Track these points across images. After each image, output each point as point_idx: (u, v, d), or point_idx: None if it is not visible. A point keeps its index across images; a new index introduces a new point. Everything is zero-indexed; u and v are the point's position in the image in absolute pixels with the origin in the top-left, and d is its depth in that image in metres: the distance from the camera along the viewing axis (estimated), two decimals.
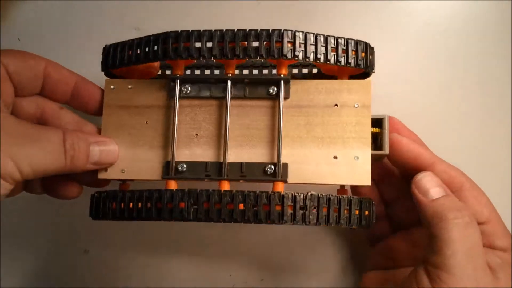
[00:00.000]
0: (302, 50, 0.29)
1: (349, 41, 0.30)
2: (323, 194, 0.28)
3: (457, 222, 0.27)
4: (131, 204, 0.29)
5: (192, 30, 0.29)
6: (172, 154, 0.30)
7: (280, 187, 0.29)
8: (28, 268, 0.39)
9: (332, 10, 0.39)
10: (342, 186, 0.31)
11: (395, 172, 0.34)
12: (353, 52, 0.30)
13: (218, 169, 0.30)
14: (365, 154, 0.29)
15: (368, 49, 0.30)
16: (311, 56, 0.29)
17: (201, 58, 0.29)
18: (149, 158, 0.30)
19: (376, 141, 0.31)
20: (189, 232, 0.38)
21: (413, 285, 0.27)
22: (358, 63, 0.30)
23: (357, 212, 0.29)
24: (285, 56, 0.28)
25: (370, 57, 0.30)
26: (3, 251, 0.39)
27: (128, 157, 0.31)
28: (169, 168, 0.30)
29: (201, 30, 0.29)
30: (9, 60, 0.29)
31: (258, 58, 0.28)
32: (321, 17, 0.39)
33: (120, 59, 0.31)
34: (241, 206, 0.27)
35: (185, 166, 0.30)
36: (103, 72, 0.32)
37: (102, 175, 0.31)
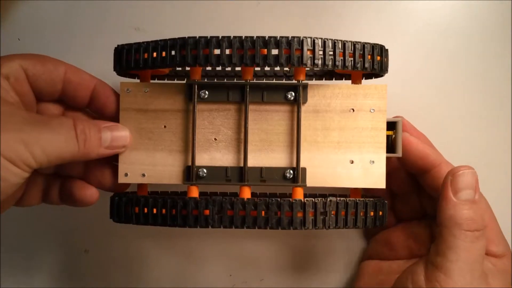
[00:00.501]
0: (321, 57, 0.29)
1: (365, 45, 0.30)
2: (341, 199, 0.29)
3: (469, 234, 0.27)
4: (154, 209, 0.30)
5: (211, 37, 0.29)
6: (192, 159, 0.30)
7: (299, 192, 0.30)
8: (28, 268, 0.39)
9: (332, 10, 0.39)
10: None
11: (400, 168, 0.35)
12: (369, 57, 0.30)
13: (238, 174, 0.30)
14: (381, 158, 0.30)
15: (383, 52, 0.31)
16: (330, 63, 0.29)
17: (220, 66, 0.29)
18: (169, 162, 0.31)
19: (388, 142, 0.31)
20: (189, 232, 0.39)
21: (408, 283, 0.28)
22: (374, 67, 0.30)
23: (372, 213, 0.30)
24: (305, 64, 0.28)
25: (385, 59, 0.31)
26: (3, 251, 0.39)
27: (148, 162, 0.31)
28: (190, 173, 0.30)
29: (220, 37, 0.29)
30: (28, 63, 0.29)
31: (278, 66, 0.29)
32: (320, 17, 0.39)
33: (135, 61, 0.30)
34: (263, 213, 0.28)
35: (205, 171, 0.30)
36: (113, 73, 0.32)
37: (122, 180, 0.31)
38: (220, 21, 0.39)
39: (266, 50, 0.29)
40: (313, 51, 0.29)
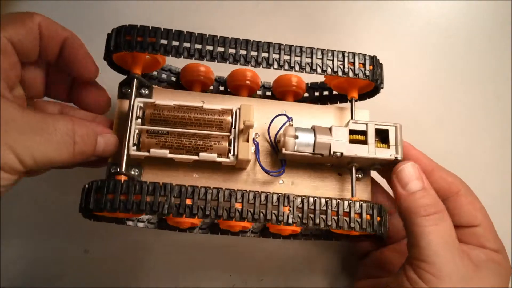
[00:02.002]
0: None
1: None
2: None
3: (429, 218, 0.28)
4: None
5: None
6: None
7: None
8: (28, 268, 0.39)
9: (332, 11, 0.39)
10: None
11: (385, 189, 0.35)
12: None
13: None
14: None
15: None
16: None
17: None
18: None
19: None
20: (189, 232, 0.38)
21: (402, 278, 0.28)
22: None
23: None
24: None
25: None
26: (3, 250, 0.38)
27: None
28: None
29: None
30: (12, 30, 0.28)
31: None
32: (320, 18, 0.39)
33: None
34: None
35: None
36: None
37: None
38: (220, 21, 0.39)
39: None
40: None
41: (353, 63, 0.31)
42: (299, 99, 0.35)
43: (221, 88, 0.36)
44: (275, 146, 0.32)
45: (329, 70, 0.31)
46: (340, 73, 0.31)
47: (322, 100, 0.36)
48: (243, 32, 0.37)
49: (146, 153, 0.29)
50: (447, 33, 0.39)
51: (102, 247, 0.38)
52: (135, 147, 0.29)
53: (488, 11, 0.39)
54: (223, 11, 0.39)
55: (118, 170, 0.29)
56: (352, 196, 0.31)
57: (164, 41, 0.29)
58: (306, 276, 0.38)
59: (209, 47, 0.30)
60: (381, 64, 0.32)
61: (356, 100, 0.33)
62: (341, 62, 0.31)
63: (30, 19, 0.29)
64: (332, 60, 0.31)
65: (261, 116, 0.33)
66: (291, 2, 0.39)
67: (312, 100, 0.36)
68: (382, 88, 0.32)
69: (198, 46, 0.30)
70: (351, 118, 0.32)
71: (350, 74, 0.31)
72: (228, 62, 0.30)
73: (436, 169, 0.32)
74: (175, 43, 0.30)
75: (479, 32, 0.39)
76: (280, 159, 0.31)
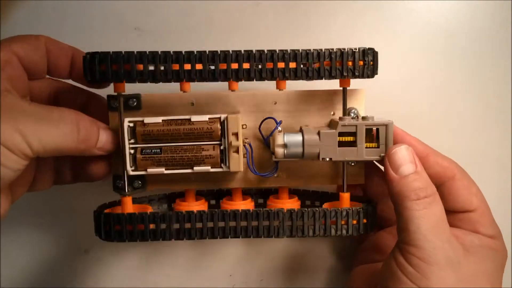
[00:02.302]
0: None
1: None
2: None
3: (419, 202, 0.28)
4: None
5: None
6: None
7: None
8: (28, 268, 0.39)
9: (331, 11, 0.38)
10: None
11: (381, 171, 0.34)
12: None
13: None
14: None
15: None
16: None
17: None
18: None
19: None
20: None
21: (391, 262, 0.29)
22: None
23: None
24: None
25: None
26: (3, 250, 0.39)
27: None
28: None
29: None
30: (18, 46, 0.30)
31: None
32: (320, 18, 0.37)
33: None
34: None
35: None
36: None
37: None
38: (220, 21, 0.38)
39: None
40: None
41: (342, 62, 0.29)
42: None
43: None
44: (267, 146, 0.33)
45: (315, 75, 0.29)
46: (327, 77, 0.29)
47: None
48: (243, 32, 0.38)
49: (143, 172, 0.31)
50: (447, 33, 0.37)
51: (102, 247, 0.39)
52: (133, 167, 0.31)
53: (488, 11, 0.37)
54: (223, 11, 0.38)
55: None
56: (344, 191, 0.32)
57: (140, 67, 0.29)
58: (306, 276, 0.39)
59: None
60: (375, 54, 0.30)
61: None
62: (328, 64, 0.29)
63: (36, 37, 0.31)
64: (319, 62, 0.29)
65: (252, 110, 0.33)
66: (291, 2, 0.37)
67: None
68: (376, 74, 0.31)
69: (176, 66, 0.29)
70: (343, 109, 0.32)
71: (338, 75, 0.30)
72: (207, 80, 0.29)
73: (431, 154, 0.31)
74: (151, 67, 0.29)
75: (479, 32, 0.37)
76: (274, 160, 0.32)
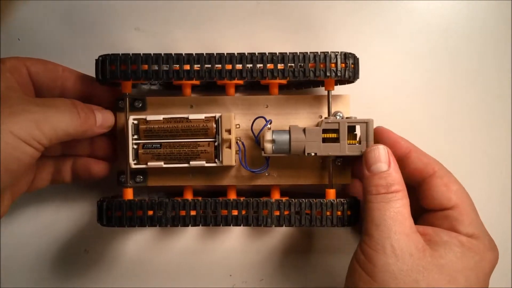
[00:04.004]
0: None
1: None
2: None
3: (377, 196, 0.30)
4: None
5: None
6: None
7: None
8: (28, 268, 0.40)
9: (331, 11, 0.38)
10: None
11: None
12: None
13: None
14: None
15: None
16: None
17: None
18: None
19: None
20: (188, 232, 0.40)
21: (357, 250, 0.30)
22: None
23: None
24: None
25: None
26: (3, 250, 0.39)
27: None
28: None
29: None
30: (30, 62, 0.33)
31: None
32: (320, 18, 0.39)
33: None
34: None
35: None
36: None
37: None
38: (220, 21, 0.39)
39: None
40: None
41: (325, 64, 0.33)
42: (285, 84, 0.37)
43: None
44: (258, 144, 0.35)
45: (301, 75, 0.33)
46: (312, 77, 0.33)
47: (306, 84, 0.38)
48: (242, 32, 0.39)
49: (144, 165, 0.34)
50: (447, 33, 0.38)
51: (102, 247, 0.39)
52: (135, 161, 0.34)
53: (488, 11, 0.38)
54: (223, 11, 0.39)
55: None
56: (331, 187, 0.34)
57: (145, 68, 0.33)
58: (306, 276, 0.39)
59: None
60: (356, 59, 0.33)
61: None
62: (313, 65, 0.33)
63: (52, 63, 0.35)
64: (304, 63, 0.33)
65: (245, 112, 0.36)
66: (290, 2, 0.38)
67: (297, 85, 0.38)
68: (358, 78, 0.34)
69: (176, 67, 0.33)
70: (328, 110, 0.34)
71: (322, 75, 0.33)
72: (204, 80, 0.33)
73: (413, 151, 0.32)
74: (155, 67, 0.33)
75: (479, 32, 0.38)
76: (264, 156, 0.35)
